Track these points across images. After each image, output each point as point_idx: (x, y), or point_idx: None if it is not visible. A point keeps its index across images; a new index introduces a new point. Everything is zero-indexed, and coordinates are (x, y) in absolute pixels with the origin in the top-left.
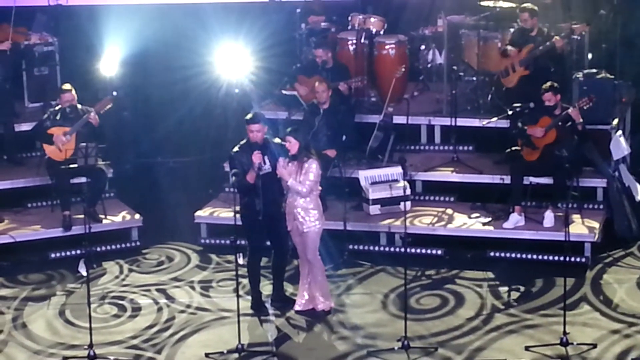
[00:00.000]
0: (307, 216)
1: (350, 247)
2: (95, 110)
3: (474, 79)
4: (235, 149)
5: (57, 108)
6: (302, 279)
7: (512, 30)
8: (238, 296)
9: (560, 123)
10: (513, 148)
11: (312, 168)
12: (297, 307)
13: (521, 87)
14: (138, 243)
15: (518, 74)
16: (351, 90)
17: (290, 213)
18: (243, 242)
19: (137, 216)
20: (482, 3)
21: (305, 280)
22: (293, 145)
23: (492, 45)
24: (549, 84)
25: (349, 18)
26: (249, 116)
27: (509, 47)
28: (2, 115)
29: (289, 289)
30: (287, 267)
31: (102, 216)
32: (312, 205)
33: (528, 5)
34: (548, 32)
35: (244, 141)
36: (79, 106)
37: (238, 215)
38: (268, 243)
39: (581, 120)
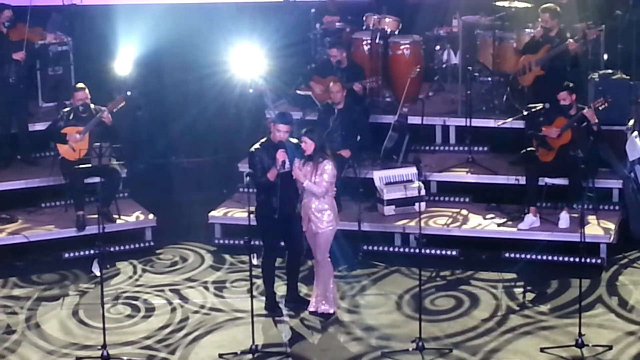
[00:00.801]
0: (322, 217)
1: (365, 247)
2: (107, 109)
3: (489, 79)
4: (256, 146)
5: (70, 108)
6: (316, 279)
7: (527, 31)
8: (252, 296)
9: (575, 124)
10: (528, 149)
11: (328, 169)
12: (311, 308)
13: (536, 86)
14: (152, 243)
15: (534, 73)
16: (366, 90)
17: (306, 214)
18: (257, 242)
19: (150, 216)
20: (498, 3)
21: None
22: (309, 145)
23: (507, 45)
24: (565, 83)
25: (364, 18)
26: (279, 116)
27: None
28: (16, 115)
29: (303, 289)
30: (301, 268)
31: (116, 216)
32: (326, 206)
33: (550, 5)
34: (565, 33)
35: (264, 139)
36: (92, 105)
37: (253, 215)
38: (282, 243)
39: (596, 120)
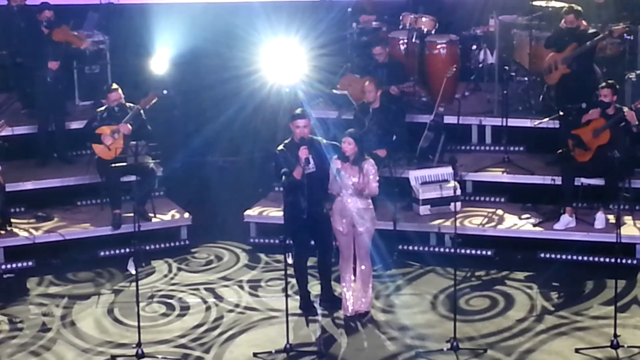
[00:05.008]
0: (366, 216)
1: (400, 247)
2: (140, 105)
3: (526, 79)
4: (280, 147)
5: (105, 107)
6: (357, 278)
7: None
8: (287, 296)
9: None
10: (565, 149)
11: (372, 167)
12: (347, 312)
13: (562, 85)
14: (187, 242)
15: (560, 72)
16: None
17: (345, 215)
18: (292, 241)
19: (186, 215)
20: (534, 3)
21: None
22: (351, 148)
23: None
24: (610, 81)
25: (400, 17)
26: (296, 112)
27: None
28: (54, 114)
29: (337, 288)
30: (333, 267)
31: (152, 215)
32: (370, 205)
33: (573, 6)
34: (591, 31)
35: (288, 140)
36: (128, 104)
37: (282, 215)
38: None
39: (637, 122)
